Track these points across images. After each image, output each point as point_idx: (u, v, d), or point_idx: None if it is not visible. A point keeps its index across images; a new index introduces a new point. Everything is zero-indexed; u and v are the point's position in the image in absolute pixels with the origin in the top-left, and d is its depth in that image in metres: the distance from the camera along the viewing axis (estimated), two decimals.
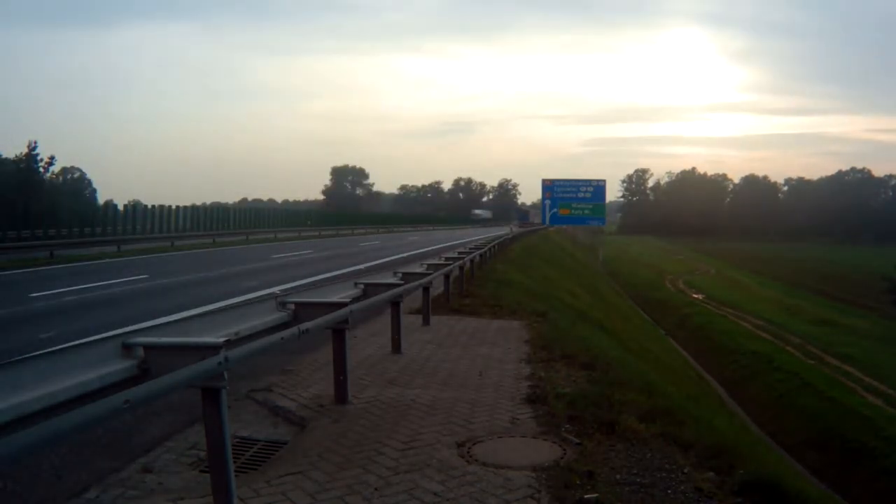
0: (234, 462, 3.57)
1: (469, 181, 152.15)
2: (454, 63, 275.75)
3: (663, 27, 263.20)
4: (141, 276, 15.73)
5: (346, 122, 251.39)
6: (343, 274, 15.09)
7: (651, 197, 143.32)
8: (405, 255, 23.39)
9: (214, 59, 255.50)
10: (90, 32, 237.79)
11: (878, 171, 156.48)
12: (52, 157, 52.97)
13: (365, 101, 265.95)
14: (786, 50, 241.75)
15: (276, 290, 5.47)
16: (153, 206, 31.10)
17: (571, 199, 38.10)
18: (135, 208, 32.77)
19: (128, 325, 5.88)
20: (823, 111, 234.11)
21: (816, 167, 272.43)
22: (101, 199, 69.33)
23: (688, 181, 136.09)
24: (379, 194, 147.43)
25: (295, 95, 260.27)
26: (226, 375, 3.27)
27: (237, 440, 4.58)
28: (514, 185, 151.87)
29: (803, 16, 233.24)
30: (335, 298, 5.81)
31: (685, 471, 4.14)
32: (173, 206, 31.77)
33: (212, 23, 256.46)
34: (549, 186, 38.24)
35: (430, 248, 27.04)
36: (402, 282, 8.02)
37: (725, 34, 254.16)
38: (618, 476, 3.98)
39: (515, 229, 40.69)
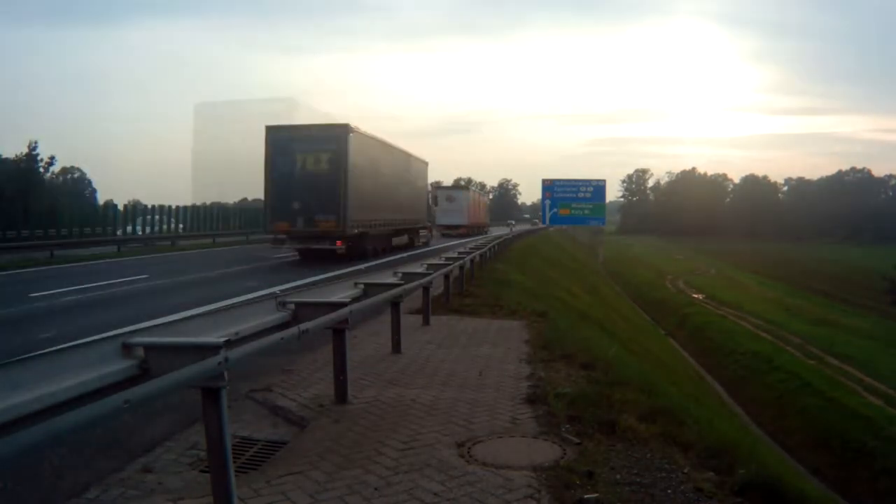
0: (234, 462, 3.57)
1: (469, 181, 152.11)
2: (455, 63, 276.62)
3: (665, 28, 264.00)
4: (141, 277, 15.73)
5: (346, 121, 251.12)
6: (343, 274, 15.08)
7: (651, 197, 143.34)
8: (405, 255, 23.39)
9: (215, 59, 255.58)
10: (90, 32, 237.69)
11: (879, 170, 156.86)
12: (52, 157, 53.14)
13: (365, 101, 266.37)
14: (789, 50, 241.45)
15: (276, 290, 5.47)
16: (153, 206, 31.12)
17: (571, 199, 38.01)
18: (135, 208, 32.79)
19: (128, 325, 5.89)
20: (826, 111, 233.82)
21: (819, 167, 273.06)
22: (101, 199, 69.26)
23: (688, 181, 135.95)
24: None
25: (295, 95, 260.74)
26: (226, 375, 3.27)
27: (237, 440, 4.58)
28: (515, 185, 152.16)
29: (807, 16, 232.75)
30: (335, 298, 5.81)
31: (685, 471, 4.14)
32: (173, 206, 31.79)
33: (213, 22, 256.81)
34: (549, 186, 38.14)
35: (429, 248, 27.04)
36: (402, 282, 8.02)
37: (728, 35, 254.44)
38: (618, 476, 3.97)
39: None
